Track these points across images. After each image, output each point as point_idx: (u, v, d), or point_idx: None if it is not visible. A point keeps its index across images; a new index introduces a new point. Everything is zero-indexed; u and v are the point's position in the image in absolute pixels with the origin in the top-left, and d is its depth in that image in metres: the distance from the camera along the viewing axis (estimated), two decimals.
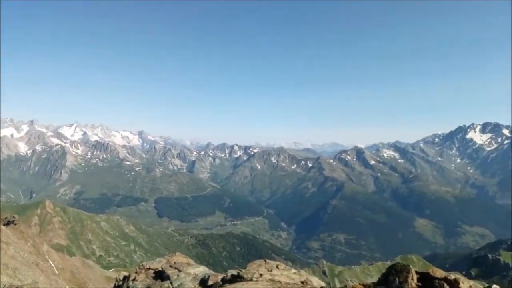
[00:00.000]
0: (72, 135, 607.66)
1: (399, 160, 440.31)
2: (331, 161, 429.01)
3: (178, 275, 17.70)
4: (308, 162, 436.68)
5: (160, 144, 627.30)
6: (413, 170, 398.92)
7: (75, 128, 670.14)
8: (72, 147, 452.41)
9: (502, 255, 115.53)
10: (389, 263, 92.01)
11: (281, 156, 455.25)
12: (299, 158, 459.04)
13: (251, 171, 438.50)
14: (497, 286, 6.95)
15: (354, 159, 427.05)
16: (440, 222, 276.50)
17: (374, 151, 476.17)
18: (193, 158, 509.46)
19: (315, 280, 13.04)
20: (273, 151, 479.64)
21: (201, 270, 18.12)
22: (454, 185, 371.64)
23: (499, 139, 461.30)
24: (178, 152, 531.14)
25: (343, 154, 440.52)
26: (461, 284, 6.92)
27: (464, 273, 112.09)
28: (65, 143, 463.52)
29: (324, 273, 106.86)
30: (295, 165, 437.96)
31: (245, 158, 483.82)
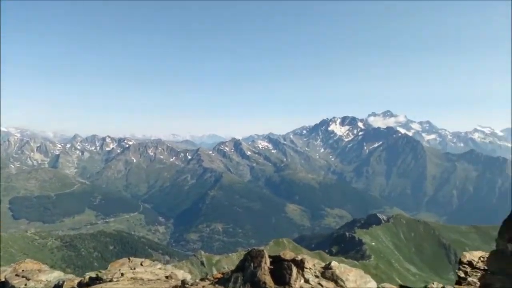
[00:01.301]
0: None
1: (272, 151, 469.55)
2: (210, 152, 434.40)
3: (26, 284, 15.54)
4: (187, 154, 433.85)
5: (16, 136, 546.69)
6: (284, 159, 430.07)
7: None
8: None
9: (357, 232, 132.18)
10: (263, 248, 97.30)
11: (159, 148, 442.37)
12: (178, 150, 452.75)
13: (125, 164, 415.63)
14: (336, 263, 7.60)
15: (232, 150, 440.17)
16: (307, 206, 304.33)
17: (250, 142, 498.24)
18: (57, 152, 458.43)
19: (180, 274, 12.67)
20: (150, 143, 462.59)
21: (55, 275, 16.22)
22: (318, 172, 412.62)
23: (355, 131, 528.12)
24: (39, 145, 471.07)
25: (222, 146, 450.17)
26: (306, 264, 7.50)
27: (326, 251, 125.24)
28: None
29: (202, 263, 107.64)
30: (173, 157, 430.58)
31: (118, 151, 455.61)
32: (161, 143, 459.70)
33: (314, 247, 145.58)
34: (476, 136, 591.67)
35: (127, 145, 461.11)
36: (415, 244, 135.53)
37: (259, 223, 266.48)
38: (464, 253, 7.08)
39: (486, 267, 5.26)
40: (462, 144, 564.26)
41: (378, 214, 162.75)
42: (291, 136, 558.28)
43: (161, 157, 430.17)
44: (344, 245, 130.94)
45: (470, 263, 6.40)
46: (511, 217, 4.80)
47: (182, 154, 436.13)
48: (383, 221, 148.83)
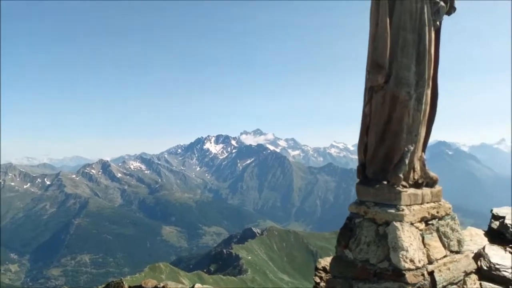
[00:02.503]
0: None
1: (146, 171, 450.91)
2: (74, 176, 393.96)
3: None
4: (45, 179, 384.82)
5: None
6: (159, 180, 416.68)
7: None
8: None
9: (233, 248, 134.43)
10: (137, 275, 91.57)
11: (10, 174, 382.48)
12: (34, 175, 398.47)
13: None
14: (199, 285, 7.28)
15: (100, 173, 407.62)
16: (184, 226, 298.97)
17: (120, 164, 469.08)
18: None
19: None
20: None
21: None
22: (195, 191, 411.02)
23: (229, 149, 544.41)
24: None
25: (88, 168, 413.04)
26: None
27: (205, 270, 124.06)
28: None
29: None
30: (28, 184, 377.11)
31: None
32: (12, 168, 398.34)
33: (193, 268, 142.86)
34: (332, 151, 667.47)
35: None
36: (287, 254, 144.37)
37: (132, 250, 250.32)
38: (320, 259, 7.44)
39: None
40: (321, 158, 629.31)
41: (253, 228, 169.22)
42: (166, 155, 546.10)
43: (12, 184, 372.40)
44: (222, 262, 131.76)
45: (324, 269, 6.73)
46: (345, 226, 5.14)
47: (39, 179, 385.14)
48: (257, 235, 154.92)
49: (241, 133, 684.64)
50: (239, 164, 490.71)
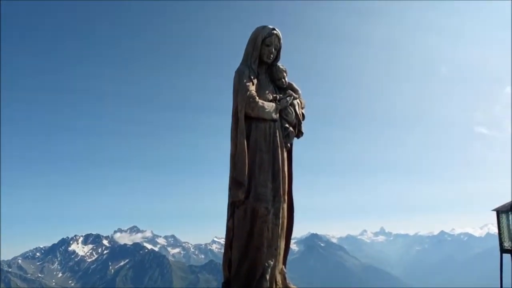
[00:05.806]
0: None
1: None
2: None
3: None
4: None
5: None
6: None
7: None
8: None
9: None
10: None
11: None
12: None
13: None
14: None
15: None
16: None
17: None
18: None
19: None
20: None
21: None
22: None
23: (100, 250, 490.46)
24: None
25: None
26: None
27: None
28: None
29: None
30: None
31: None
32: None
33: None
34: (214, 247, 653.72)
35: None
36: None
37: None
38: None
39: None
40: (203, 256, 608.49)
41: None
42: (20, 260, 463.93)
43: None
44: None
45: None
46: None
47: None
48: None
49: (115, 231, 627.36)
50: (111, 267, 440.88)
